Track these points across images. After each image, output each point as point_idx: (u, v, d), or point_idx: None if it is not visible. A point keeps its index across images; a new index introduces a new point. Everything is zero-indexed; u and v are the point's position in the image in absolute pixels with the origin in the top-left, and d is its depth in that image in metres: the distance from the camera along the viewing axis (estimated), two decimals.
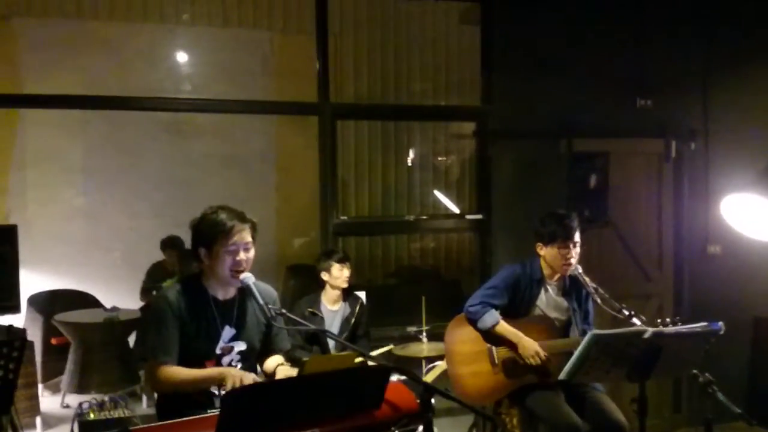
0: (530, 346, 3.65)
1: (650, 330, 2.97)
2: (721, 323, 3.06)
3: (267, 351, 3.13)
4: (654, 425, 5.14)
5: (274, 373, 3.03)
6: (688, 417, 5.54)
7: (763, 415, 3.52)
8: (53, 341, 6.02)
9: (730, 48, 5.48)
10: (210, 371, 2.85)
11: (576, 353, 2.96)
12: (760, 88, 5.56)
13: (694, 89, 5.51)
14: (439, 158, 6.81)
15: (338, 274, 4.52)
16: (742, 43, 5.47)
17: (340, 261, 4.52)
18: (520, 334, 3.69)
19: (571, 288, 3.84)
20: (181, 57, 7.29)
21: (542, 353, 3.63)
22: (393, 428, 2.57)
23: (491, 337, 3.77)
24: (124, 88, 6.08)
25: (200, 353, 2.89)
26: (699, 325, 3.08)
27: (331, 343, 4.45)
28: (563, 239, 3.68)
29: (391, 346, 4.49)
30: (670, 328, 3.09)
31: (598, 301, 3.64)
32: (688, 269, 5.58)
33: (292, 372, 2.90)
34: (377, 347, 4.51)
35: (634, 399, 3.11)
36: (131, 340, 6.14)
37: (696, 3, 5.44)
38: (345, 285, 4.55)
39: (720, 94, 5.52)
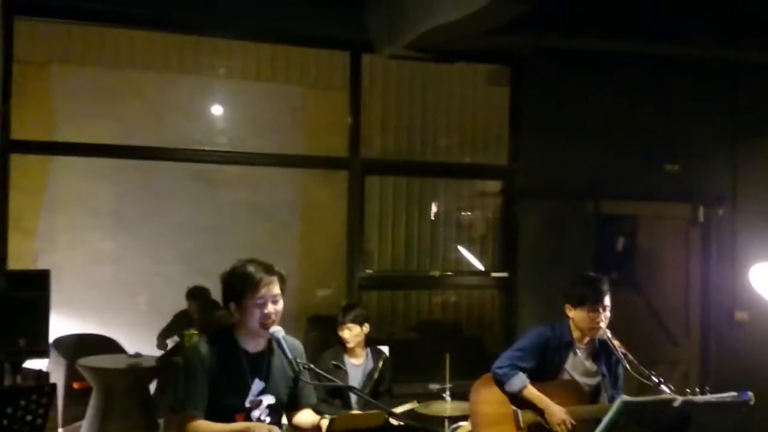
0: (558, 414, 3.61)
1: (680, 398, 2.94)
2: (750, 393, 3.03)
3: (294, 405, 3.13)
4: None
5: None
6: None
7: None
8: (75, 385, 6.01)
9: (757, 114, 5.53)
10: (238, 426, 2.84)
11: (605, 420, 2.92)
12: None
13: (722, 155, 5.55)
14: (465, 215, 6.83)
15: (342, 335, 4.52)
16: None
17: (346, 322, 4.52)
18: (548, 400, 3.65)
19: (600, 352, 3.80)
20: (215, 109, 7.43)
21: (570, 421, 3.58)
22: None
23: (518, 400, 3.73)
24: (157, 139, 6.21)
25: (231, 406, 2.89)
26: (729, 395, 3.05)
27: (353, 397, 4.43)
28: (593, 302, 3.66)
29: (415, 403, 4.45)
30: (700, 397, 3.06)
31: (627, 366, 3.60)
32: (714, 335, 5.52)
33: None
34: (399, 403, 4.47)
35: None
36: (152, 387, 6.12)
37: (725, 68, 5.50)
38: (351, 345, 4.53)
39: (748, 160, 5.55)
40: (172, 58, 6.67)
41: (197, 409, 2.83)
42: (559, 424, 3.59)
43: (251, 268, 2.91)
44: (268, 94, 7.24)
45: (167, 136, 6.67)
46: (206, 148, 5.83)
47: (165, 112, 7.11)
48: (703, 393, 3.14)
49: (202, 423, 2.83)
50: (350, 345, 4.53)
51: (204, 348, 2.90)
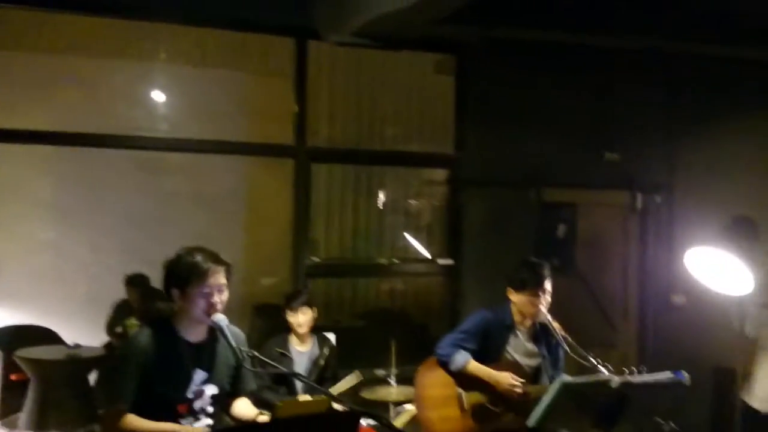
0: (505, 378, 3.68)
1: (618, 379, 3.03)
2: (685, 374, 3.14)
3: (233, 393, 3.12)
4: None
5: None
6: None
7: None
8: (13, 377, 5.86)
9: (694, 104, 5.71)
10: (170, 427, 2.81)
11: (545, 400, 3.01)
12: (723, 144, 5.76)
13: (660, 144, 5.71)
14: (411, 203, 6.88)
15: (293, 320, 4.51)
16: (706, 100, 5.70)
17: (296, 306, 4.51)
18: (492, 370, 3.73)
19: (541, 335, 3.90)
20: (157, 95, 7.29)
21: (519, 381, 3.65)
22: None
23: (464, 378, 3.79)
24: (97, 125, 6.03)
25: (172, 398, 2.86)
26: (664, 375, 3.15)
27: (298, 383, 4.43)
28: (534, 287, 3.75)
29: (358, 375, 4.45)
30: (637, 377, 3.15)
31: (567, 348, 3.70)
32: (652, 319, 5.69)
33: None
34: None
35: None
36: (92, 378, 6.01)
37: (662, 59, 5.65)
38: (302, 330, 4.53)
39: (685, 148, 5.72)
40: (113, 43, 6.51)
41: (126, 403, 2.79)
42: (509, 387, 3.67)
43: (199, 257, 2.88)
44: (212, 81, 7.13)
45: (107, 122, 6.49)
46: (147, 135, 5.70)
47: (105, 98, 6.94)
48: (640, 373, 3.24)
49: (135, 419, 2.79)
50: (303, 330, 4.52)
51: (142, 339, 2.85)
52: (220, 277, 2.90)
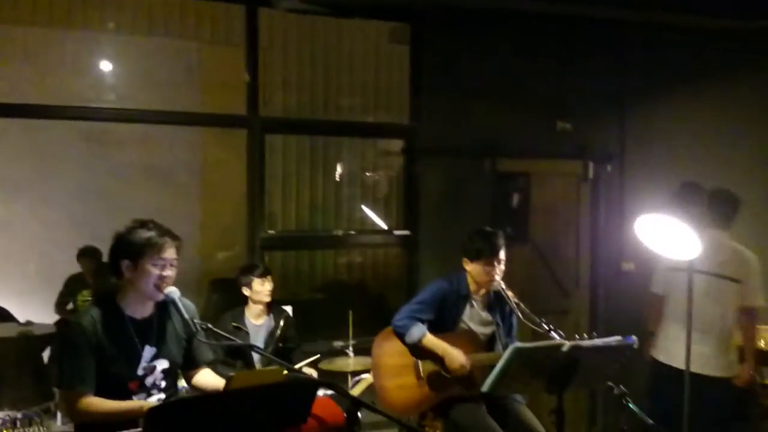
0: (456, 358, 3.73)
1: (568, 343, 3.09)
2: (634, 338, 3.21)
3: (190, 365, 3.10)
4: None
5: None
6: (603, 430, 5.74)
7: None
8: None
9: (644, 73, 5.77)
10: (131, 404, 2.79)
11: (498, 366, 3.04)
12: (672, 113, 5.86)
13: (611, 113, 5.77)
14: (368, 174, 6.87)
15: (259, 289, 4.49)
16: (656, 69, 5.77)
17: (261, 275, 4.50)
18: (447, 346, 3.77)
19: (495, 303, 3.95)
20: (105, 66, 7.11)
21: (468, 363, 3.71)
22: None
23: (418, 350, 3.83)
24: (44, 97, 5.88)
25: (122, 376, 2.84)
26: (614, 339, 3.22)
27: (256, 357, 4.42)
28: (489, 256, 3.78)
29: (317, 356, 4.49)
30: (587, 342, 3.21)
31: (520, 315, 3.75)
32: (603, 286, 5.80)
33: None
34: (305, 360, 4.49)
35: (552, 410, 3.22)
36: (46, 355, 5.92)
37: (613, 30, 5.70)
38: (267, 299, 4.53)
39: (635, 117, 5.80)
40: (59, 13, 6.33)
41: (86, 385, 2.76)
42: (457, 368, 3.72)
43: (153, 231, 2.87)
44: (161, 50, 6.99)
45: (55, 94, 6.34)
46: (96, 106, 5.55)
47: (51, 69, 6.76)
48: (590, 338, 3.30)
49: (94, 400, 2.76)
50: (266, 300, 4.50)
51: (87, 321, 2.80)
52: (172, 252, 2.90)
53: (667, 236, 3.69)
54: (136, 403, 2.80)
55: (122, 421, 2.69)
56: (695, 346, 3.56)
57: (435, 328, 3.84)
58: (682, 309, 3.74)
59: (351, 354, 4.50)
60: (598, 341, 3.20)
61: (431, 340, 3.78)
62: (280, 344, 4.56)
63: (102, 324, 2.81)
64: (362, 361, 4.37)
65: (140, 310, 2.92)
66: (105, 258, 5.65)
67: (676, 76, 5.83)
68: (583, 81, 5.64)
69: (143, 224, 2.89)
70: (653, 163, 5.75)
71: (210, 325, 2.94)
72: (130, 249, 2.85)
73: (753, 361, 4.28)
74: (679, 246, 3.62)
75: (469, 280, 3.90)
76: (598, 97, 5.71)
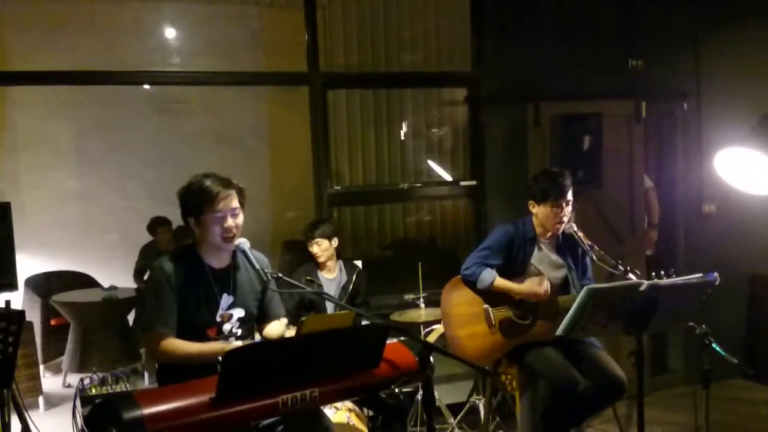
0: (533, 286, 3.66)
1: (646, 282, 2.99)
2: (716, 274, 3.08)
3: (263, 318, 3.15)
4: (651, 381, 5.19)
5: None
6: (685, 373, 5.58)
7: (760, 372, 3.54)
8: (52, 322, 6.02)
9: (716, 4, 5.47)
10: (212, 346, 2.85)
11: (572, 308, 2.97)
12: (749, 40, 5.53)
13: (685, 48, 5.50)
14: (432, 127, 6.79)
15: (315, 250, 4.51)
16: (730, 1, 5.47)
17: (314, 237, 4.48)
18: (519, 284, 3.70)
19: (564, 245, 3.84)
20: (169, 32, 7.23)
21: (548, 285, 3.65)
22: (393, 386, 2.58)
23: (492, 296, 3.77)
24: (111, 66, 6.03)
25: (201, 322, 2.90)
26: (694, 277, 3.10)
27: (329, 308, 4.46)
28: (555, 197, 3.67)
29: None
30: (666, 281, 3.10)
31: (594, 257, 3.65)
32: (683, 229, 5.60)
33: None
34: (376, 317, 4.50)
35: (632, 352, 3.13)
36: (131, 318, 6.14)
37: None
38: (322, 260, 4.53)
39: (710, 50, 5.51)
40: None
41: (167, 327, 2.83)
42: (538, 291, 3.66)
43: (208, 182, 2.87)
44: (224, 16, 7.07)
45: (122, 62, 6.50)
46: (161, 69, 5.66)
47: (119, 38, 6.90)
48: (668, 277, 3.18)
49: (176, 341, 2.83)
50: (321, 260, 4.53)
51: (168, 266, 2.87)
52: (231, 201, 2.89)
53: (748, 172, 3.52)
54: (217, 345, 2.86)
55: (202, 363, 2.75)
56: None
57: (504, 274, 3.76)
58: None
59: (422, 306, 4.49)
60: (677, 279, 3.09)
61: (503, 282, 3.72)
62: (353, 299, 4.59)
63: (183, 271, 2.87)
64: (433, 312, 4.36)
65: (217, 260, 2.96)
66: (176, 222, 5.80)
67: (752, 4, 5.50)
68: (654, 16, 5.38)
69: (198, 179, 2.90)
70: (732, 95, 5.46)
71: (281, 274, 2.96)
72: (190, 205, 2.89)
73: None
74: (763, 180, 3.44)
75: (535, 222, 3.80)
76: (670, 31, 5.44)
